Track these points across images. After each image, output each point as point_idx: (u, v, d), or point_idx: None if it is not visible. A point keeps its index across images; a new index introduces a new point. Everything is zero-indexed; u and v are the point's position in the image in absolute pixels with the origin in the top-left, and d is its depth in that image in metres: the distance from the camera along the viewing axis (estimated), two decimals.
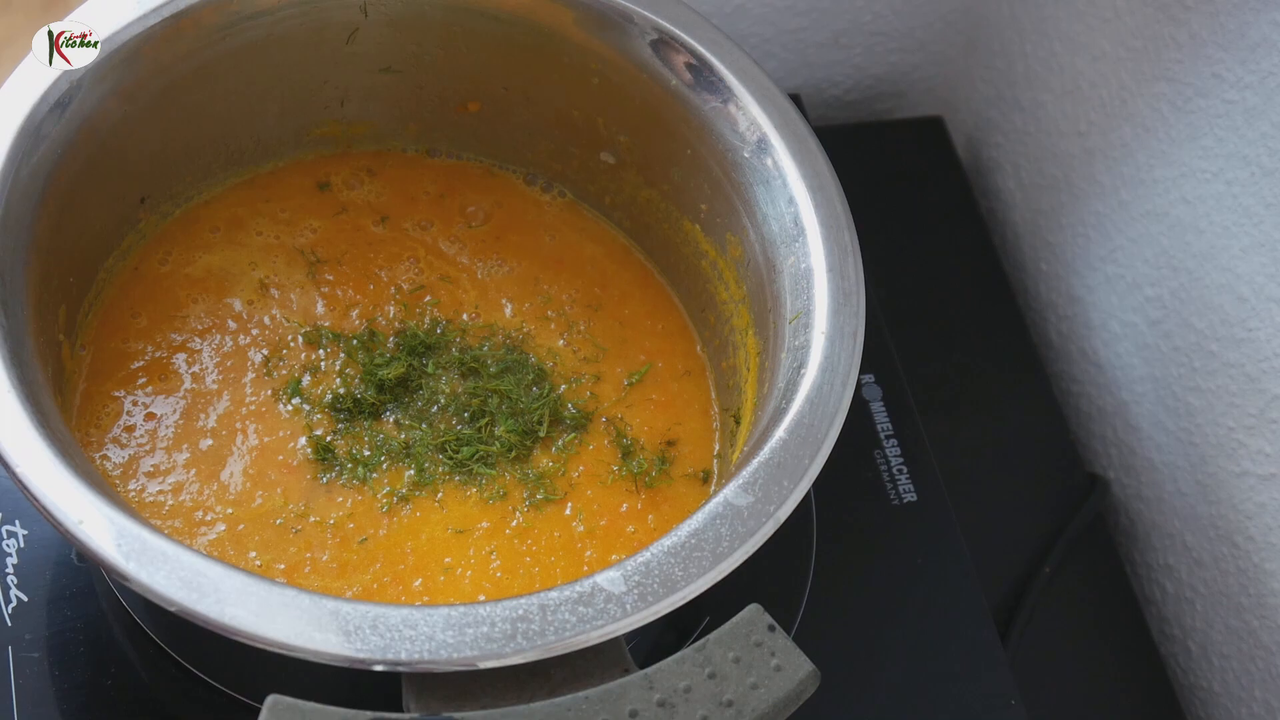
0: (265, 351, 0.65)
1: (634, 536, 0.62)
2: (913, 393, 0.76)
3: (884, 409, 0.75)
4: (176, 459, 0.61)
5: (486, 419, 0.64)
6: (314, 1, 0.65)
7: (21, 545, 0.63)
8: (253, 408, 0.63)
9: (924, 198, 0.89)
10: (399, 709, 0.48)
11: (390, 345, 0.66)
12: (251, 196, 0.70)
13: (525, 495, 0.62)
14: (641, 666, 0.49)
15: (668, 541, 0.51)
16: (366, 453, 0.62)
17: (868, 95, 0.96)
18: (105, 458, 0.60)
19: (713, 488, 0.64)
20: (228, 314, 0.66)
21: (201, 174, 0.68)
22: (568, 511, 0.62)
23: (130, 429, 0.61)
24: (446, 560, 0.60)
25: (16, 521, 0.64)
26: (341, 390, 0.64)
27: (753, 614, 0.50)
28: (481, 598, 0.58)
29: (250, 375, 0.64)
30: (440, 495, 0.61)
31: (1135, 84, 0.76)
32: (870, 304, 0.59)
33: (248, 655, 0.47)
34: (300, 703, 0.45)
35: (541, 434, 0.64)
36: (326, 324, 0.66)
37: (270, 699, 0.45)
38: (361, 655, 0.47)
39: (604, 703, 0.47)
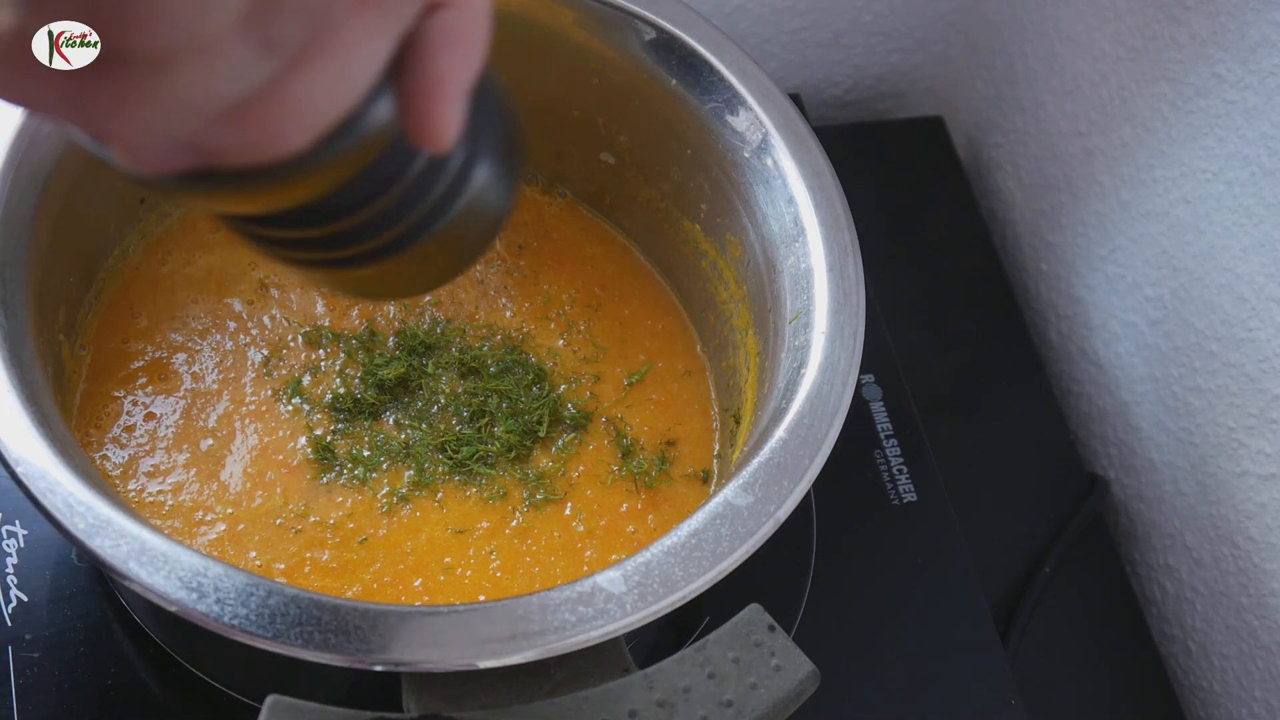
0: (265, 351, 0.65)
1: (634, 536, 0.62)
2: (913, 393, 0.76)
3: (884, 409, 0.75)
4: (176, 459, 0.61)
5: (486, 419, 0.64)
6: None
7: (21, 545, 0.63)
8: (253, 408, 0.63)
9: (924, 198, 0.89)
10: (399, 709, 0.48)
11: (390, 345, 0.66)
12: None
13: (525, 495, 0.62)
14: (641, 666, 0.49)
15: (668, 541, 0.51)
16: (366, 453, 0.62)
17: (868, 95, 0.96)
18: (105, 458, 0.60)
19: (713, 488, 0.64)
20: (228, 314, 0.66)
21: None
22: (568, 511, 0.62)
23: (130, 429, 0.61)
24: (446, 560, 0.60)
25: (16, 521, 0.64)
26: (341, 390, 0.64)
27: (753, 614, 0.50)
28: (481, 598, 0.58)
29: (250, 375, 0.64)
30: (440, 495, 0.61)
31: (1135, 84, 0.76)
32: (870, 304, 0.59)
33: (248, 655, 0.47)
34: (300, 703, 0.45)
35: (541, 434, 0.64)
36: (326, 324, 0.66)
37: (270, 699, 0.45)
38: (361, 655, 0.47)
39: (604, 703, 0.47)
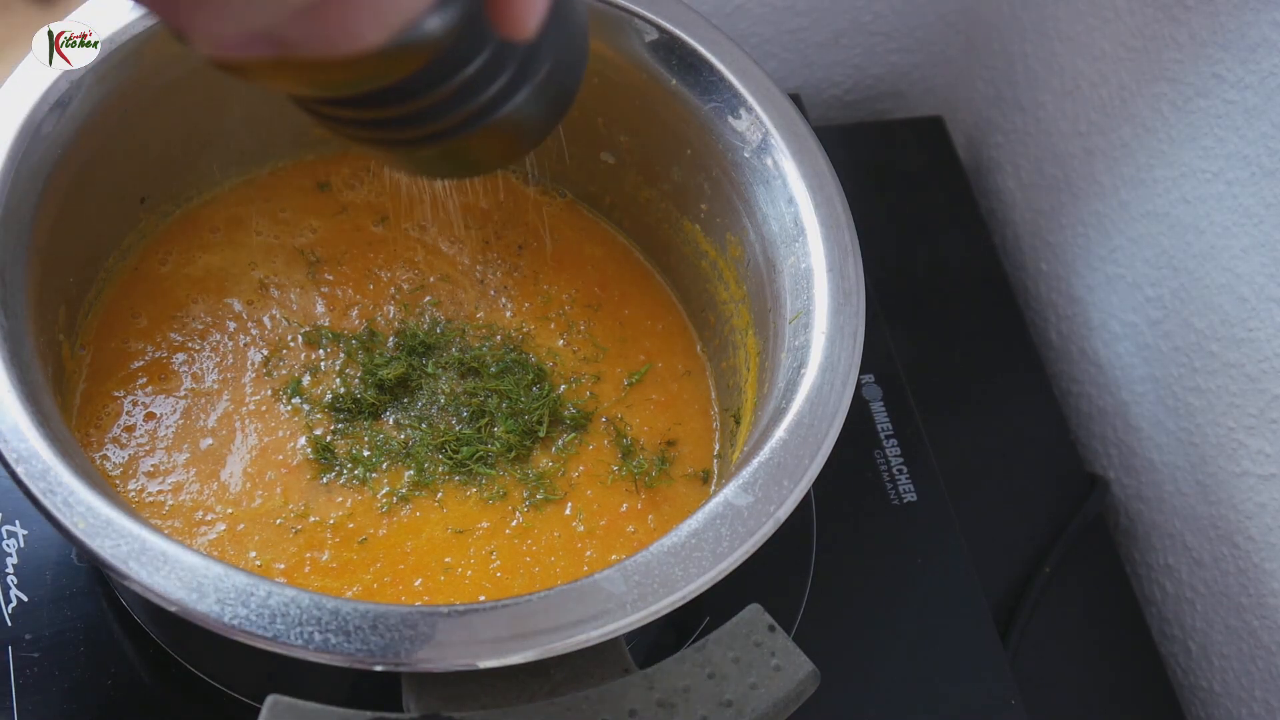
0: (265, 351, 0.65)
1: (634, 536, 0.62)
2: (913, 393, 0.76)
3: (884, 409, 0.75)
4: (176, 459, 0.61)
5: (486, 419, 0.64)
6: None
7: (21, 545, 0.63)
8: (253, 408, 0.63)
9: (924, 198, 0.89)
10: (399, 709, 0.48)
11: (390, 345, 0.66)
12: (251, 196, 0.70)
13: (525, 495, 0.62)
14: (641, 666, 0.49)
15: (668, 541, 0.51)
16: (366, 453, 0.62)
17: (868, 95, 0.96)
18: (105, 458, 0.60)
19: (713, 488, 0.64)
20: (228, 314, 0.66)
21: (201, 174, 0.68)
22: (568, 511, 0.62)
23: (130, 429, 0.61)
24: (446, 560, 0.60)
25: (16, 521, 0.64)
26: (341, 390, 0.64)
27: (753, 614, 0.50)
28: (481, 598, 0.58)
29: (250, 375, 0.64)
30: (440, 495, 0.61)
31: (1135, 84, 0.76)
32: (870, 304, 0.59)
33: (248, 655, 0.47)
34: (300, 703, 0.45)
35: (541, 434, 0.64)
36: (326, 324, 0.66)
37: (270, 699, 0.45)
38: (361, 655, 0.47)
39: (604, 703, 0.47)
